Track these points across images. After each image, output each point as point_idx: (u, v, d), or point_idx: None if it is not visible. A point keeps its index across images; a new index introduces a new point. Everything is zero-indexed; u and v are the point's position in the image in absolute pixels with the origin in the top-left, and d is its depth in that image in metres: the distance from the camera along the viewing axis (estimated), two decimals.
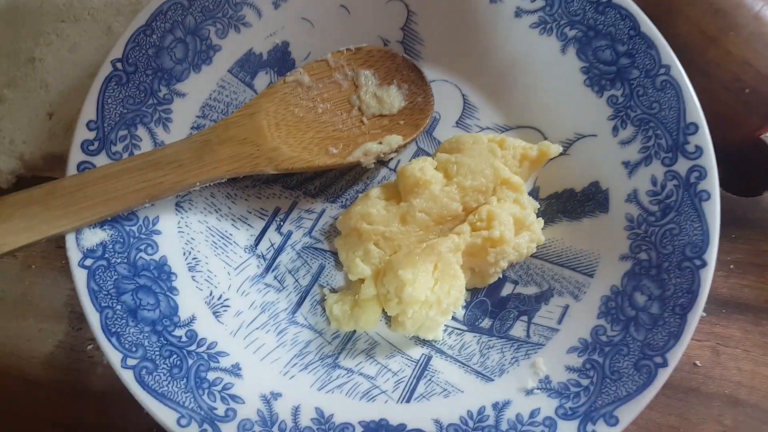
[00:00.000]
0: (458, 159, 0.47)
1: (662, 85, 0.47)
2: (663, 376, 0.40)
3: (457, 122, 0.53)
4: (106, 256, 0.43)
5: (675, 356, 0.41)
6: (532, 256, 0.48)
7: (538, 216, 0.49)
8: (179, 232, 0.47)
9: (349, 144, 0.50)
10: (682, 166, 0.45)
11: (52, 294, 0.51)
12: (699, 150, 0.45)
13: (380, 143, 0.50)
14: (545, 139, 0.52)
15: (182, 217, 0.48)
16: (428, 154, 0.53)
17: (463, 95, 0.54)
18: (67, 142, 0.51)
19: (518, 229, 0.47)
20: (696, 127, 0.45)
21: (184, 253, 0.47)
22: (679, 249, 0.43)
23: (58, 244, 0.52)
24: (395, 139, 0.50)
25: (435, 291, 0.44)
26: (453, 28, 0.53)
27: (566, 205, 0.50)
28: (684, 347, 0.41)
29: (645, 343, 0.42)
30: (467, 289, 0.48)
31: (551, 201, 0.51)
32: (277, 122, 0.48)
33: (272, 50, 0.52)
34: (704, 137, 0.45)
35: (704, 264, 0.42)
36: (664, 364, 0.41)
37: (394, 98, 0.52)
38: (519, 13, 0.51)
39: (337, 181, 0.52)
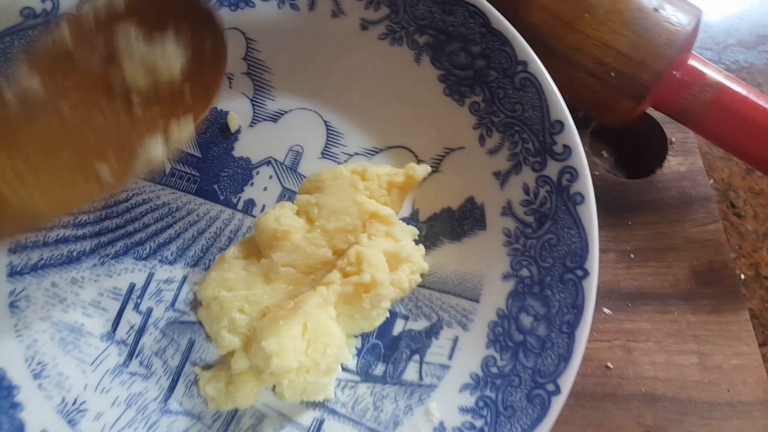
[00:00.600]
0: (319, 199, 0.43)
1: (522, 84, 0.44)
2: (557, 404, 0.37)
3: (322, 152, 0.49)
4: None
5: (567, 381, 0.38)
6: (419, 285, 0.45)
7: (419, 242, 0.46)
8: (17, 336, 0.42)
9: (123, 151, 0.36)
10: (552, 169, 0.42)
11: None
12: (567, 150, 0.42)
13: (166, 137, 0.35)
14: (416, 157, 0.48)
15: (19, 318, 0.42)
16: (295, 193, 0.48)
17: (325, 122, 0.49)
18: None
19: (395, 263, 0.43)
20: (561, 125, 0.42)
21: (26, 360, 0.41)
22: (559, 261, 0.40)
23: None
24: (186, 125, 0.36)
25: (309, 354, 0.40)
26: (299, 50, 0.49)
27: (446, 226, 0.46)
28: (575, 369, 0.38)
29: (535, 369, 0.39)
30: (356, 336, 0.45)
31: (432, 223, 0.47)
32: None
33: None
34: (571, 135, 0.42)
35: (586, 274, 0.39)
36: (557, 392, 0.38)
37: (172, 55, 0.35)
38: (365, 25, 0.47)
39: (195, 242, 0.47)
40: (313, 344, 0.40)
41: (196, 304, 0.45)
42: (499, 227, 0.43)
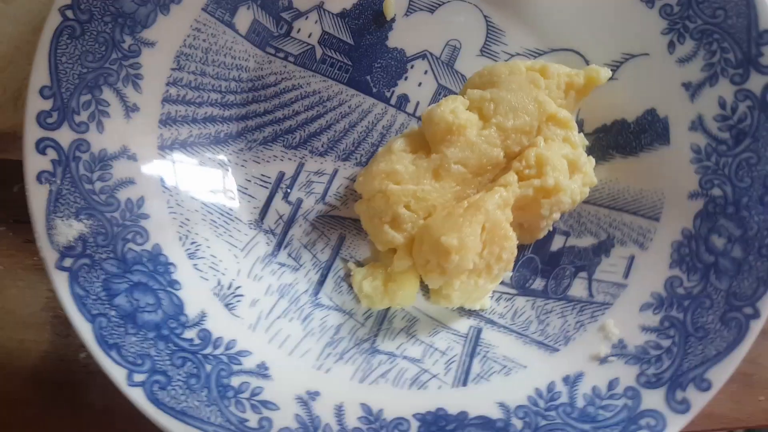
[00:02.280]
0: (494, 95, 0.40)
1: None
2: (756, 328, 0.35)
3: (481, 50, 0.45)
4: (88, 252, 0.36)
5: (767, 305, 0.35)
6: (583, 201, 0.42)
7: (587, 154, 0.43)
8: (170, 213, 0.39)
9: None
10: (756, 83, 0.38)
11: (27, 298, 0.43)
12: None
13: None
14: (587, 62, 0.44)
15: (171, 195, 0.40)
16: (452, 92, 0.45)
17: (485, 17, 0.45)
18: (18, 114, 0.43)
19: (571, 172, 0.40)
20: None
21: (180, 238, 0.39)
22: (759, 181, 0.37)
23: (26, 238, 0.44)
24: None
25: (484, 256, 0.37)
26: None
27: (618, 138, 0.43)
28: None
29: (730, 292, 0.36)
30: None
31: (600, 135, 0.44)
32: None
33: None
34: None
35: None
36: (756, 315, 0.35)
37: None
38: None
39: (347, 135, 0.44)
40: (489, 246, 0.37)
41: (347, 198, 0.43)
42: (687, 143, 0.40)
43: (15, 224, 0.45)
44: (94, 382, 0.43)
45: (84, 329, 0.34)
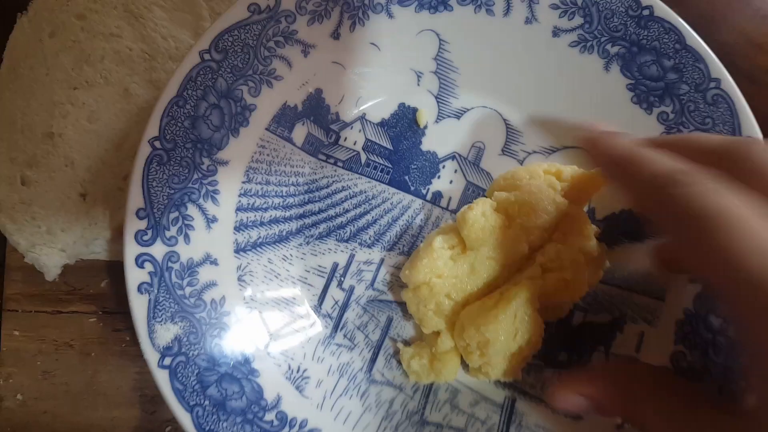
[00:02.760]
0: (518, 198, 0.47)
1: (713, 100, 0.46)
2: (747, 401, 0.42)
3: (502, 149, 0.52)
4: (183, 350, 0.42)
5: None
6: (599, 282, 0.48)
7: (598, 240, 0.49)
8: (247, 308, 0.46)
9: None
10: None
11: (118, 380, 0.50)
12: None
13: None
14: None
15: (247, 292, 0.46)
16: (479, 187, 0.52)
17: (504, 120, 0.52)
18: (108, 224, 0.49)
19: (586, 261, 0.47)
20: None
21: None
22: None
23: (114, 327, 0.51)
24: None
25: (516, 340, 0.44)
26: (488, 53, 0.51)
27: (626, 226, 0.50)
28: None
29: (726, 366, 0.43)
30: None
31: (609, 223, 0.50)
32: None
33: (306, 100, 0.50)
34: None
35: None
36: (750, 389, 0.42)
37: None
38: (557, 32, 0.50)
39: (390, 228, 0.51)
40: (519, 332, 0.44)
41: (393, 284, 0.50)
42: None
43: (103, 315, 0.51)
44: None
45: (185, 419, 0.41)
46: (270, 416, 0.43)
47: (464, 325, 0.45)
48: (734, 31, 0.48)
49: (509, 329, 0.43)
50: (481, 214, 0.46)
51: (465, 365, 0.47)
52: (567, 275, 0.45)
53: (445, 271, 0.46)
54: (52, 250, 0.48)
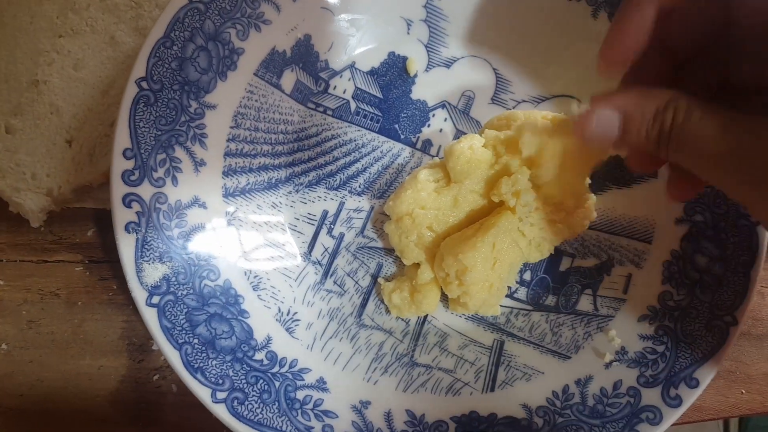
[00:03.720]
0: (507, 136, 0.46)
1: None
2: (735, 333, 0.42)
3: (492, 98, 0.52)
4: (172, 289, 0.42)
5: (743, 313, 0.42)
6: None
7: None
8: (236, 251, 0.46)
9: None
10: None
11: (104, 329, 0.49)
12: None
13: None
14: None
15: (235, 236, 0.46)
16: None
17: (494, 69, 0.52)
18: (94, 170, 0.49)
19: (576, 202, 0.46)
20: None
21: (245, 273, 0.45)
22: (732, 208, 0.44)
23: (101, 275, 0.50)
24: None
25: (495, 270, 0.44)
26: (477, 1, 0.51)
27: (614, 172, 0.50)
28: (750, 303, 0.42)
29: (713, 304, 0.43)
30: (527, 268, 0.49)
31: (596, 170, 0.51)
32: None
33: (295, 45, 0.49)
34: None
35: (758, 221, 0.43)
36: (734, 323, 0.42)
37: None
38: None
39: (380, 176, 0.51)
40: (498, 262, 0.44)
41: (382, 232, 0.50)
42: None
43: (90, 264, 0.51)
44: (165, 401, 0.48)
45: (173, 356, 0.41)
46: (260, 355, 0.43)
47: (444, 255, 0.45)
48: None
49: (487, 257, 0.43)
50: (468, 147, 0.45)
51: (446, 301, 0.47)
52: (555, 216, 0.45)
53: (429, 203, 0.46)
54: (36, 195, 0.47)
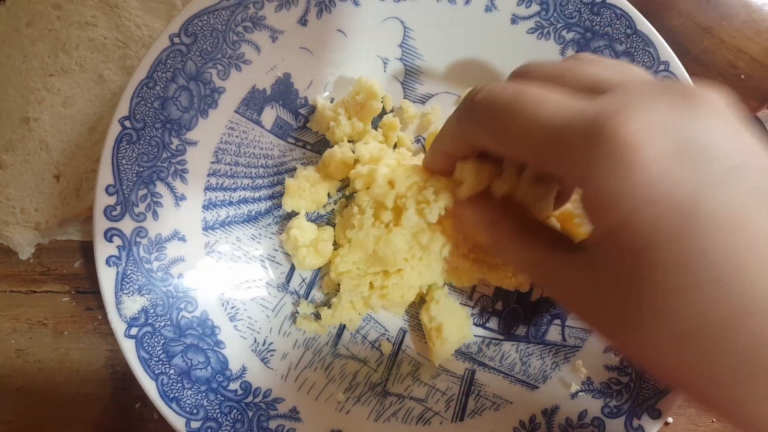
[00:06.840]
0: None
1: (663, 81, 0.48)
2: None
3: None
4: (150, 321, 0.44)
5: None
6: None
7: None
8: (214, 283, 0.47)
9: None
10: None
11: (89, 357, 0.51)
12: None
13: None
14: None
15: (214, 267, 0.48)
16: None
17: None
18: (80, 203, 0.51)
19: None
20: None
21: (222, 304, 0.47)
22: None
23: (87, 306, 0.52)
24: None
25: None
26: (450, 40, 0.53)
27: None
28: None
29: None
30: (499, 299, 0.50)
31: None
32: None
33: (275, 84, 0.51)
34: None
35: None
36: None
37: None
38: (515, 20, 0.52)
39: None
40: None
41: None
42: None
43: (77, 294, 0.52)
44: (147, 429, 0.50)
45: (149, 386, 0.42)
46: (234, 385, 0.44)
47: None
48: (682, 15, 0.50)
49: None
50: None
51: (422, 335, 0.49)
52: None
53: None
54: (25, 228, 0.49)
